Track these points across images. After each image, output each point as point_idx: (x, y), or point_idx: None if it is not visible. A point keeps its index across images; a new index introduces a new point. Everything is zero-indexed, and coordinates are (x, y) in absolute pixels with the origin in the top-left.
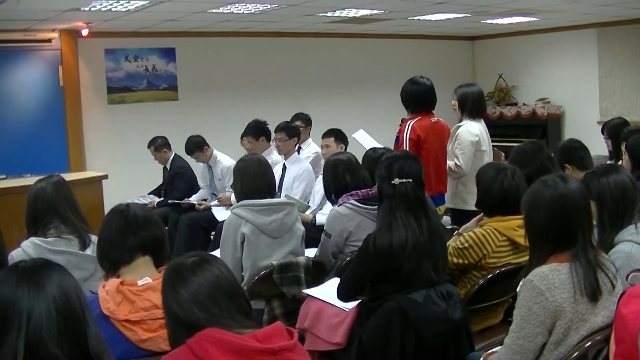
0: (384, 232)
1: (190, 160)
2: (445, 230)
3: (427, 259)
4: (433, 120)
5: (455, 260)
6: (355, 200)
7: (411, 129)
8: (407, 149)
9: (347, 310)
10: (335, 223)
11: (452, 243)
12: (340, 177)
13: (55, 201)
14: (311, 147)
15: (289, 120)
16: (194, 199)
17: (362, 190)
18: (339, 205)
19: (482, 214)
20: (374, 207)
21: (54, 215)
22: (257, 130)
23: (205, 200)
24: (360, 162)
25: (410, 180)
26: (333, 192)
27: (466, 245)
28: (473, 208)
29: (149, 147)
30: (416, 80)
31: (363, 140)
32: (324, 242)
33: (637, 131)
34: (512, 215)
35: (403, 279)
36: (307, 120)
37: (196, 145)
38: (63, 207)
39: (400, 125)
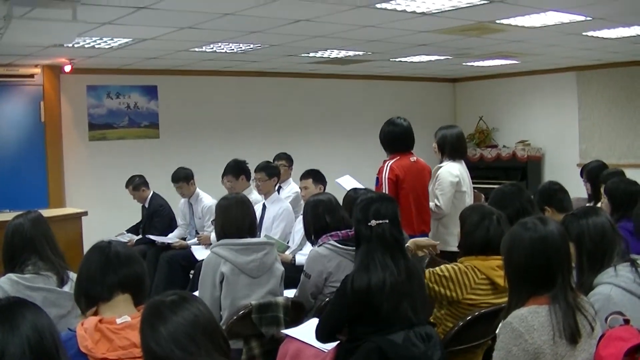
0: (361, 273)
1: (169, 198)
2: (422, 270)
3: (405, 299)
4: (412, 160)
5: (434, 286)
6: (335, 240)
7: (390, 169)
8: (386, 189)
9: (325, 351)
10: (314, 264)
11: (429, 269)
12: (320, 217)
13: (33, 238)
14: (291, 187)
15: (270, 160)
16: (171, 236)
17: (342, 231)
18: (318, 246)
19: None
20: (354, 248)
21: (32, 252)
22: (236, 170)
23: (185, 239)
24: (341, 203)
25: (387, 221)
26: (313, 233)
27: (445, 274)
28: (454, 249)
29: (127, 186)
30: (393, 121)
31: (346, 184)
32: (303, 282)
33: (615, 174)
34: (492, 256)
35: (381, 319)
36: (290, 160)
37: (184, 176)
38: (41, 244)
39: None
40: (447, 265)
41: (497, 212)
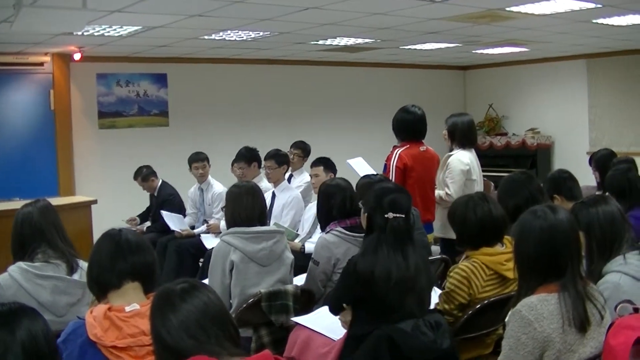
0: (366, 257)
1: (178, 186)
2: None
3: (411, 294)
4: (422, 149)
5: (445, 306)
6: (342, 227)
7: (398, 157)
8: (394, 176)
9: (335, 339)
10: (322, 250)
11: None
12: (330, 205)
13: (43, 226)
14: (303, 177)
15: (279, 148)
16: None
17: (350, 219)
18: (326, 233)
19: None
20: (361, 234)
21: (41, 240)
22: (248, 157)
23: (193, 227)
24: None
25: (403, 216)
26: (323, 220)
27: (452, 287)
28: None
29: (135, 178)
30: (407, 109)
31: (358, 167)
32: (311, 269)
33: (623, 162)
34: (496, 243)
35: (386, 310)
36: (305, 151)
37: (206, 157)
38: (50, 232)
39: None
40: (453, 273)
41: (478, 192)
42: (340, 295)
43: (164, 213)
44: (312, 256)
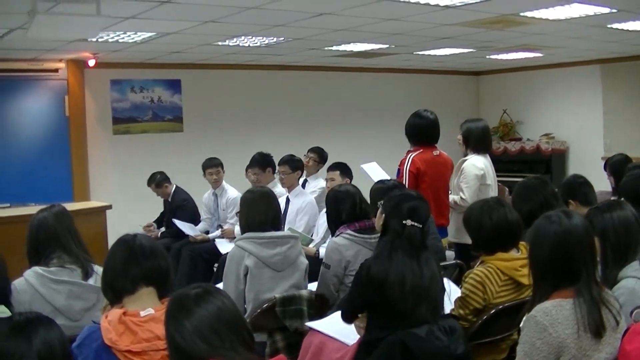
0: (380, 262)
1: (192, 192)
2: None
3: (425, 302)
4: (435, 154)
5: (460, 311)
6: (352, 230)
7: (411, 161)
8: (407, 181)
9: (349, 344)
10: (333, 253)
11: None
12: (339, 210)
13: (58, 231)
14: (318, 182)
15: (293, 153)
16: (196, 229)
17: (359, 222)
18: (336, 237)
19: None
20: (371, 236)
21: (57, 245)
22: (263, 162)
23: (208, 232)
24: (368, 191)
25: (420, 226)
26: (333, 224)
27: (467, 292)
28: None
29: (149, 184)
30: (420, 113)
31: (372, 172)
32: (323, 273)
33: (638, 167)
34: (511, 248)
35: (398, 316)
36: (321, 157)
37: (220, 163)
38: (65, 237)
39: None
40: (468, 278)
41: (494, 197)
42: (353, 300)
43: (176, 222)
44: (323, 260)
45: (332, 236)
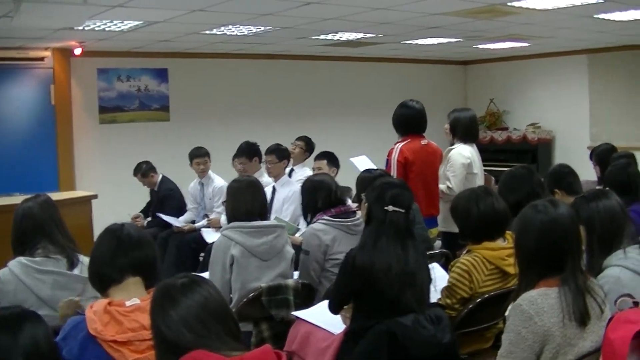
0: (365, 251)
1: (178, 181)
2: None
3: (411, 290)
4: (423, 143)
5: (447, 300)
6: (328, 216)
7: (399, 151)
8: (395, 171)
9: (335, 333)
10: (311, 239)
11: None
12: (315, 199)
13: (43, 221)
14: (304, 171)
15: (280, 143)
16: (181, 220)
17: (335, 208)
18: (313, 223)
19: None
20: (347, 220)
21: (42, 235)
22: (249, 152)
23: (194, 222)
24: (355, 182)
25: (403, 211)
26: (309, 213)
27: (453, 281)
28: None
29: (134, 174)
30: (406, 103)
31: (360, 165)
32: (303, 260)
33: (623, 157)
34: (498, 237)
35: (384, 305)
36: (309, 145)
37: (207, 152)
38: (50, 227)
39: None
40: (454, 268)
41: (481, 186)
42: (340, 290)
43: (161, 216)
44: (302, 247)
45: (308, 224)
